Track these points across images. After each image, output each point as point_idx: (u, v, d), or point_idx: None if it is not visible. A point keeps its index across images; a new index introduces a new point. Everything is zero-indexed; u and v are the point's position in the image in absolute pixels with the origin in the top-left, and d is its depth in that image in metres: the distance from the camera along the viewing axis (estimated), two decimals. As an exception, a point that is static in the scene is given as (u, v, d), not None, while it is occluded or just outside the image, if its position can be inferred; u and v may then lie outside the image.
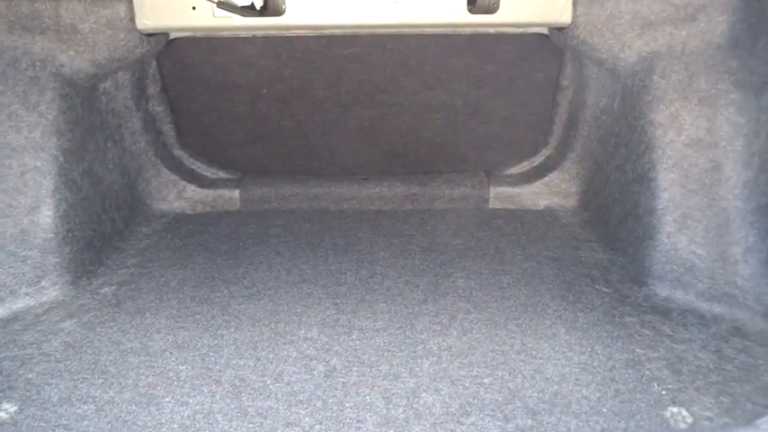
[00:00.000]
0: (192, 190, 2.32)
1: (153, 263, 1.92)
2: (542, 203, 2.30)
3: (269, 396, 1.36)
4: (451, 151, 2.36)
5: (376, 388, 1.38)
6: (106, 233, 1.98)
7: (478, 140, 2.33)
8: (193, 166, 2.39)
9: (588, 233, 2.08)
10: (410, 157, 2.37)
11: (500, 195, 2.32)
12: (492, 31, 2.01)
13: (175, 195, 2.30)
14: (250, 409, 1.32)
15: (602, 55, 1.84)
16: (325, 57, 2.10)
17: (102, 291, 1.77)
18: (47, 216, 1.72)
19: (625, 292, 1.73)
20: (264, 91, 2.18)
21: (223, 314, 1.65)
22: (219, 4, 1.70)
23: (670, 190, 1.72)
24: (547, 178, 2.29)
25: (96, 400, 1.34)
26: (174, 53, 2.10)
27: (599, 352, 1.48)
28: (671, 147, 1.72)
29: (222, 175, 2.41)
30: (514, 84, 2.18)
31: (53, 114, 1.76)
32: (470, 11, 1.83)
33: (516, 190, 2.31)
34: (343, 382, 1.39)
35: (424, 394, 1.36)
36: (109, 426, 1.27)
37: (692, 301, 1.66)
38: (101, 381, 1.40)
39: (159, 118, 2.28)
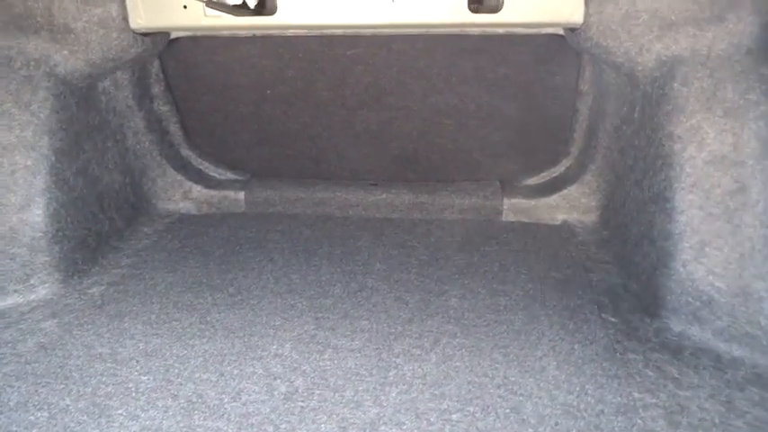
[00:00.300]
0: (197, 190, 2.29)
1: (146, 264, 1.90)
2: (560, 218, 2.13)
3: (222, 416, 1.29)
4: (464, 158, 2.22)
5: (334, 416, 1.28)
6: (103, 232, 1.97)
7: (493, 147, 2.18)
8: (201, 167, 2.36)
9: (604, 254, 1.89)
10: (421, 164, 2.25)
11: (514, 207, 2.16)
12: (501, 31, 1.86)
13: (181, 195, 2.29)
14: (199, 429, 1.25)
15: (618, 59, 1.65)
16: (328, 58, 2.01)
17: (90, 291, 1.76)
18: (36, 215, 1.73)
19: (634, 324, 1.55)
20: (268, 92, 2.12)
21: (200, 323, 1.61)
22: (209, 3, 1.65)
23: (688, 212, 1.52)
24: (565, 191, 2.11)
25: (51, 407, 1.32)
26: (177, 53, 2.08)
27: (589, 392, 1.33)
28: (690, 164, 1.52)
29: (230, 176, 2.37)
30: (531, 88, 2.02)
31: (45, 113, 1.76)
32: (472, 10, 1.69)
33: (532, 202, 2.15)
34: (302, 407, 1.31)
35: (383, 427, 1.25)
36: None
37: (709, 339, 1.47)
38: (61, 386, 1.38)
39: (165, 117, 2.26)
